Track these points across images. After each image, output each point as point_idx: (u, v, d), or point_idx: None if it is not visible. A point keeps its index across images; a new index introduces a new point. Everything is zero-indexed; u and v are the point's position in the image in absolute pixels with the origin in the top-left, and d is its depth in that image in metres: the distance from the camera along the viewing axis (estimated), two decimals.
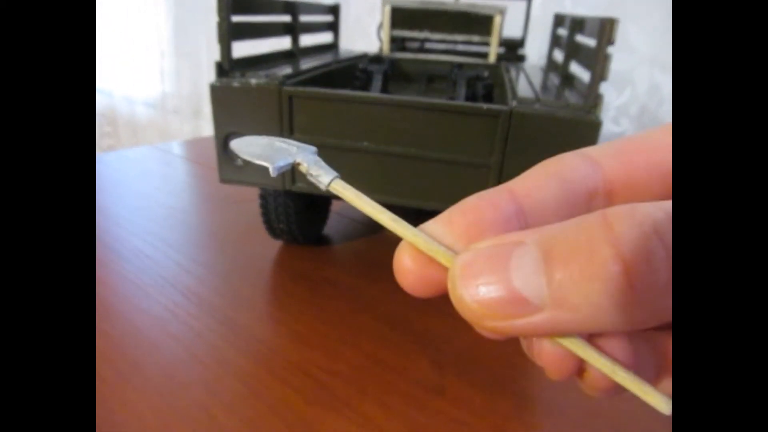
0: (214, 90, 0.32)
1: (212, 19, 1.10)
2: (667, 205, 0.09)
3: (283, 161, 0.13)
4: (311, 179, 0.13)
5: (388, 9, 0.52)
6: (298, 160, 0.13)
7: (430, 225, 0.12)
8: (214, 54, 0.98)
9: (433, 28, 0.52)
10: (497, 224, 0.11)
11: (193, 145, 0.81)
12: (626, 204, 0.09)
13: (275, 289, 0.39)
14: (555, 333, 0.09)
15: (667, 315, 0.09)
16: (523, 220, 0.11)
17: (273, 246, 0.45)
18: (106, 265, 0.41)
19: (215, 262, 0.42)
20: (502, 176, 0.30)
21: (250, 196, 0.55)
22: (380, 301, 0.37)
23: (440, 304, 0.37)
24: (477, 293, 0.10)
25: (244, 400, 0.28)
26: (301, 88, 0.31)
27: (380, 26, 0.54)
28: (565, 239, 0.09)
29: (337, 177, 0.13)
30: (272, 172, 0.13)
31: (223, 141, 0.34)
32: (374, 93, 0.38)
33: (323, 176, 0.13)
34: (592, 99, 0.29)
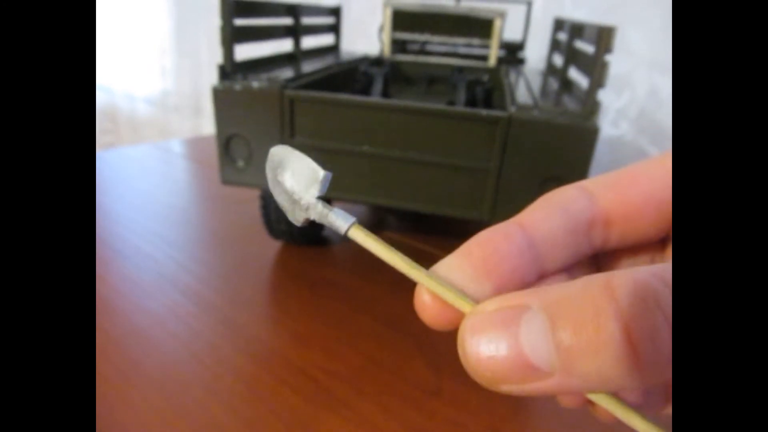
0: (217, 93, 0.33)
1: (213, 18, 1.10)
2: (667, 274, 0.09)
3: (302, 216, 0.13)
4: (329, 226, 0.13)
5: (389, 11, 0.52)
6: (312, 216, 0.13)
7: (450, 259, 0.12)
8: (215, 53, 0.99)
9: (434, 31, 0.52)
10: (512, 256, 0.12)
11: (194, 144, 0.81)
12: (627, 271, 0.09)
13: (275, 289, 0.39)
14: (565, 393, 0.10)
15: (669, 375, 0.09)
16: (534, 251, 0.12)
17: (273, 246, 0.45)
18: (106, 263, 0.41)
19: (215, 261, 0.42)
20: (500, 181, 0.31)
21: (250, 196, 0.55)
22: (379, 301, 0.37)
23: None
24: (488, 361, 0.10)
25: (243, 400, 0.28)
26: (302, 92, 0.32)
27: (381, 28, 0.55)
28: (571, 307, 0.09)
29: (354, 222, 0.13)
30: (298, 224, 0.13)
31: (225, 143, 0.34)
32: (374, 97, 0.38)
33: (341, 222, 0.13)
34: (590, 105, 0.29)
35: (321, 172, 0.13)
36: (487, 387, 0.10)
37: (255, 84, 0.32)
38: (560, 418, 0.28)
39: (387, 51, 0.54)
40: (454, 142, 0.31)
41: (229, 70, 0.33)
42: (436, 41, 0.53)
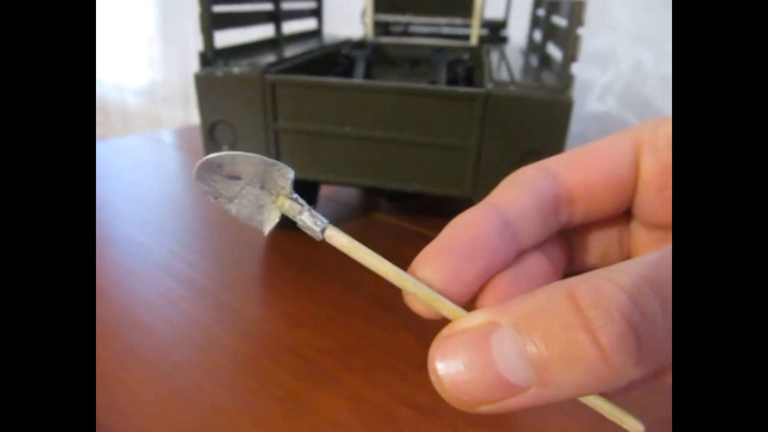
0: (198, 79, 0.33)
1: (197, 5, 1.09)
2: (627, 282, 0.10)
3: (271, 224, 0.13)
4: (304, 229, 0.13)
5: None
6: (290, 214, 0.13)
7: (431, 255, 0.13)
8: (201, 41, 0.98)
9: (416, 12, 0.52)
10: (493, 236, 0.12)
11: (184, 134, 0.82)
12: (585, 279, 0.10)
13: (267, 272, 0.40)
14: (544, 404, 0.10)
15: (643, 372, 0.10)
16: (510, 230, 0.13)
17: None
18: (100, 253, 0.42)
19: (208, 247, 0.43)
20: (481, 157, 0.31)
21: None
22: (368, 282, 0.38)
23: None
24: (465, 385, 0.10)
25: (237, 379, 0.29)
26: (283, 76, 0.32)
27: (363, 11, 0.55)
28: (539, 321, 0.10)
29: (328, 225, 0.13)
30: (266, 234, 0.14)
31: (209, 129, 0.34)
32: (356, 79, 0.39)
33: (316, 226, 0.13)
34: (564, 79, 0.30)
35: (285, 168, 0.13)
36: (467, 410, 0.10)
37: (236, 70, 0.32)
38: None
39: (370, 34, 0.54)
40: (435, 121, 0.31)
41: (210, 57, 0.33)
42: (419, 22, 0.54)
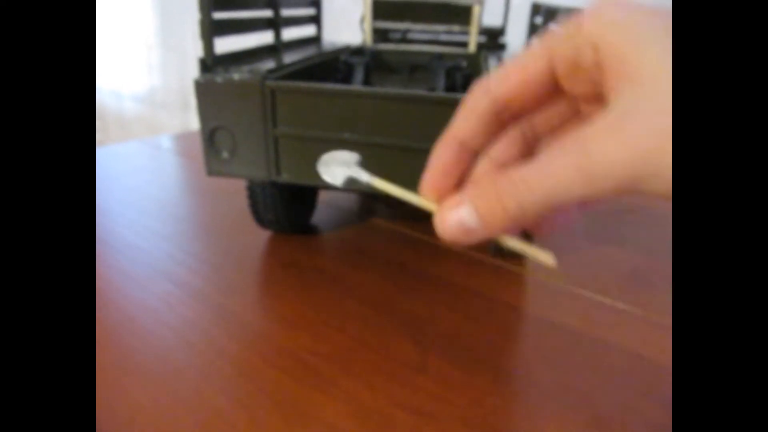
0: (199, 86, 0.33)
1: (197, 11, 1.09)
2: (516, 177, 0.17)
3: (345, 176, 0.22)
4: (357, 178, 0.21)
5: (369, 1, 0.53)
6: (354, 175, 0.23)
7: (428, 176, 0.20)
8: (201, 47, 0.99)
9: (415, 19, 0.53)
10: (454, 160, 0.20)
11: (182, 139, 0.82)
12: (496, 177, 0.17)
13: (265, 277, 0.40)
14: (485, 238, 0.18)
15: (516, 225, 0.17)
16: (465, 148, 0.20)
17: (262, 236, 0.46)
18: (100, 258, 0.42)
19: (206, 252, 0.43)
20: None
21: (238, 188, 0.56)
22: (366, 287, 0.39)
23: (424, 289, 0.38)
24: (451, 229, 0.18)
25: (236, 383, 0.29)
26: (282, 82, 0.32)
27: (362, 18, 0.55)
28: (483, 198, 0.17)
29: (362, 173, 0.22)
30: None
31: (209, 135, 0.35)
32: (355, 85, 0.39)
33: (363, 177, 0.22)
34: None
35: (354, 154, 0.23)
36: (452, 241, 0.18)
37: (236, 76, 0.32)
38: (539, 389, 0.29)
39: (369, 40, 0.54)
40: (434, 127, 0.31)
41: (210, 63, 0.33)
42: (417, 29, 0.54)
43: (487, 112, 0.19)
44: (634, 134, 0.16)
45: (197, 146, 0.75)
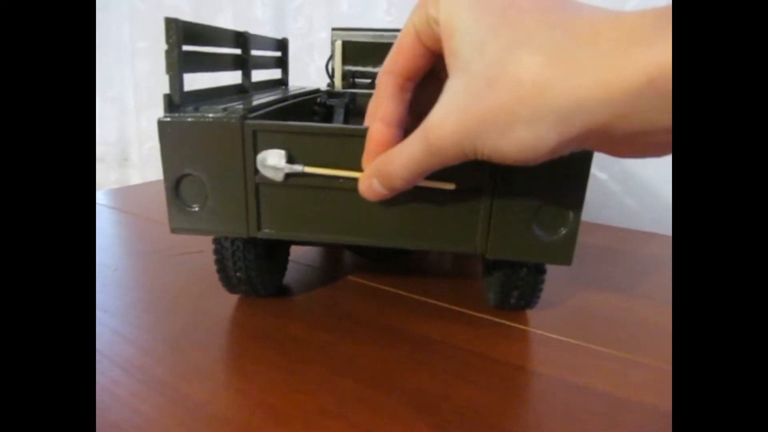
0: (163, 126, 0.28)
1: (139, 61, 1.03)
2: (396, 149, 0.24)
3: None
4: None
5: (339, 44, 0.50)
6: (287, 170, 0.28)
7: (365, 155, 0.26)
8: (142, 97, 0.93)
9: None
10: (386, 138, 0.25)
11: (122, 194, 0.74)
12: (390, 153, 0.25)
13: (236, 355, 0.34)
14: (388, 196, 0.26)
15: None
16: (392, 127, 0.25)
17: (228, 302, 0.39)
18: None
19: (160, 326, 0.36)
20: (492, 211, 0.28)
21: (192, 246, 0.49)
22: (360, 359, 0.33)
23: (427, 357, 0.33)
24: (371, 194, 0.26)
25: None
26: (266, 122, 0.27)
27: (329, 61, 0.52)
28: (376, 172, 0.25)
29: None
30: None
31: (174, 184, 0.29)
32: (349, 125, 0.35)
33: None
34: None
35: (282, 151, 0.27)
36: (369, 199, 0.26)
37: (210, 115, 0.27)
38: None
39: (338, 84, 0.51)
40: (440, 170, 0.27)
41: (178, 101, 0.28)
42: None
43: (396, 89, 0.25)
44: (454, 118, 0.20)
45: (139, 201, 0.68)
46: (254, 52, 0.41)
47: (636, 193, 0.68)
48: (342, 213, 0.29)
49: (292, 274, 0.45)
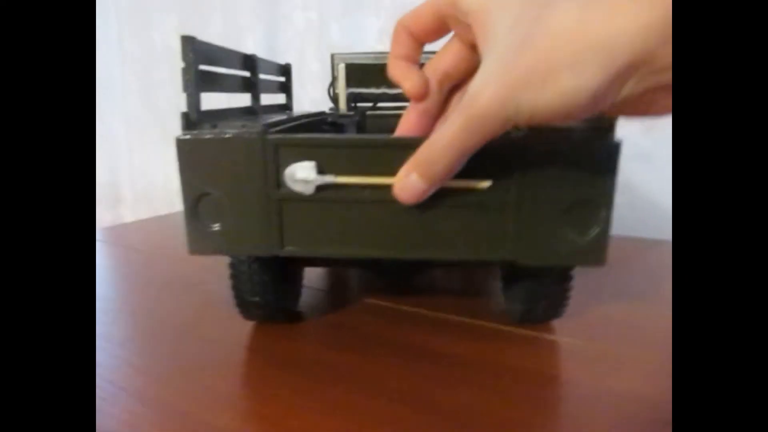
0: (182, 144, 0.27)
1: (130, 99, 1.02)
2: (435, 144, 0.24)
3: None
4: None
5: (342, 67, 0.50)
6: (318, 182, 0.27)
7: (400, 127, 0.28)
8: (134, 137, 0.92)
9: (390, 84, 0.50)
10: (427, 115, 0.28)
11: (117, 231, 0.72)
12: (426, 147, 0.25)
13: (256, 381, 0.32)
14: (428, 194, 0.26)
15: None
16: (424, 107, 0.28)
17: (243, 330, 0.38)
18: None
19: (175, 356, 0.35)
20: (521, 213, 0.27)
21: (199, 278, 0.48)
22: (389, 379, 0.32)
23: (458, 374, 0.32)
24: (409, 195, 0.26)
25: None
26: (288, 136, 0.27)
27: (332, 85, 0.52)
28: (416, 165, 0.25)
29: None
30: None
31: (193, 204, 0.28)
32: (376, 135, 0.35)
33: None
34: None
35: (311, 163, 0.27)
36: (413, 202, 0.26)
37: (230, 131, 0.27)
38: None
39: (343, 107, 0.51)
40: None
41: (195, 118, 0.28)
42: (393, 94, 0.51)
43: (405, 35, 0.27)
44: (494, 81, 0.21)
45: (136, 236, 0.67)
46: (261, 76, 0.41)
47: (635, 205, 0.69)
48: (368, 226, 0.28)
49: (305, 299, 0.43)
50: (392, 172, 0.26)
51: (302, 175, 0.27)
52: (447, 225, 0.28)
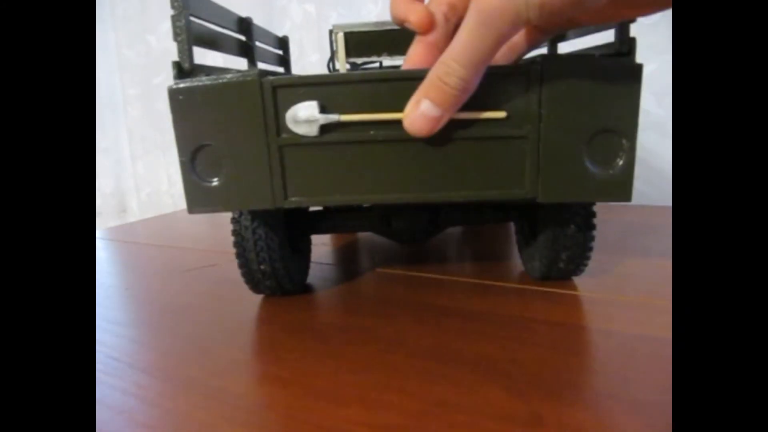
0: (175, 93, 0.26)
1: (133, 109, 1.01)
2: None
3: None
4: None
5: (341, 36, 0.48)
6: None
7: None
8: (137, 147, 0.91)
9: (390, 51, 0.49)
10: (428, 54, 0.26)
11: (122, 229, 0.71)
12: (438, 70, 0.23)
13: (271, 347, 0.30)
14: (443, 124, 0.24)
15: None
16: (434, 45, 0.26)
17: (252, 304, 0.36)
18: None
19: (182, 331, 0.33)
20: (541, 145, 0.26)
21: (203, 261, 0.47)
22: (408, 337, 0.30)
23: (483, 328, 0.30)
24: (421, 125, 0.24)
25: None
26: (288, 76, 0.26)
27: (331, 59, 0.51)
28: (428, 89, 0.23)
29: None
30: None
31: (190, 158, 0.26)
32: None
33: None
34: (626, 41, 0.26)
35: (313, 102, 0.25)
36: (426, 134, 0.24)
37: (225, 77, 0.25)
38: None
39: None
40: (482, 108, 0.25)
41: (188, 67, 0.26)
42: (396, 63, 0.50)
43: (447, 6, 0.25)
44: None
45: (140, 233, 0.65)
46: (258, 43, 0.39)
47: (644, 177, 0.67)
48: (377, 169, 0.26)
49: (314, 273, 0.42)
50: (400, 107, 0.25)
51: (305, 114, 0.25)
52: (461, 162, 0.26)
